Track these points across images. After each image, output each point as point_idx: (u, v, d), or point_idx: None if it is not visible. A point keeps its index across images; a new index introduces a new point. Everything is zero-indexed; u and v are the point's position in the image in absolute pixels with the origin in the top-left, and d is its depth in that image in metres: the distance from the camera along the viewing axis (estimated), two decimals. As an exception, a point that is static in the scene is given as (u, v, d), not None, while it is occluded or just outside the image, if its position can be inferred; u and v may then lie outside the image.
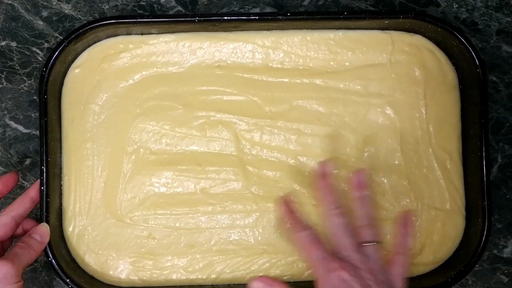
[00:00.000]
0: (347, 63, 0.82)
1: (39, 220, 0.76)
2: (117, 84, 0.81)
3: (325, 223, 0.72)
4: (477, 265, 0.81)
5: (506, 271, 0.84)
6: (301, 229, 0.71)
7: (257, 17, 0.78)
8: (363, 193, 0.73)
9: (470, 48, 0.78)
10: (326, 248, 0.70)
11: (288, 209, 0.74)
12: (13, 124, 0.83)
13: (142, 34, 0.81)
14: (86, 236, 0.81)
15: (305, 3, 0.84)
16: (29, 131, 0.83)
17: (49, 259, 0.77)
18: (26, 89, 0.83)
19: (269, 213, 0.81)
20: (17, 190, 0.82)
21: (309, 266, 0.72)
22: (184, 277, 0.81)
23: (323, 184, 0.73)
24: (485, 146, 0.78)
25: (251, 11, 0.83)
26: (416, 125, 0.82)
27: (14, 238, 0.76)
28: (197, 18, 0.78)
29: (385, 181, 0.82)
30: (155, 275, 0.81)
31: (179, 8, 0.83)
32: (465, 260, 0.79)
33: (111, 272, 0.81)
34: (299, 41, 0.82)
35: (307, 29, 0.82)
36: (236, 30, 0.81)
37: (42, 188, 0.77)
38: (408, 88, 0.82)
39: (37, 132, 0.82)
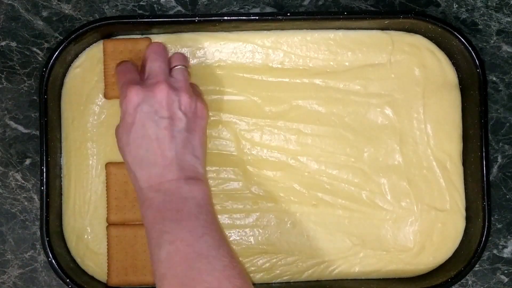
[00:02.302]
0: (347, 63, 0.82)
1: (39, 221, 0.76)
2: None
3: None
4: (477, 265, 0.81)
5: (506, 271, 0.84)
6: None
7: (257, 17, 0.78)
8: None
9: (470, 48, 0.78)
10: (135, 76, 0.72)
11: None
12: (13, 124, 0.83)
13: (142, 34, 0.81)
14: (86, 236, 0.81)
15: (305, 3, 0.84)
16: (29, 131, 0.83)
17: (49, 259, 0.77)
18: (26, 89, 0.83)
19: (269, 213, 0.81)
20: (17, 190, 0.82)
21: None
22: (184, 277, 0.81)
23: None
24: (485, 146, 0.78)
25: (251, 11, 0.83)
26: (415, 125, 0.82)
27: None
28: (197, 18, 0.78)
29: (385, 181, 0.82)
30: (155, 275, 0.81)
31: (179, 8, 0.83)
32: (465, 260, 0.79)
33: (111, 272, 0.81)
34: (299, 41, 0.82)
35: (307, 29, 0.82)
36: (236, 30, 0.81)
37: (42, 188, 0.77)
38: (408, 88, 0.82)
39: (37, 132, 0.82)
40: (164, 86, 0.69)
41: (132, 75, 0.73)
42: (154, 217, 0.68)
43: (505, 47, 0.84)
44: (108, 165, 0.80)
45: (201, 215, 0.66)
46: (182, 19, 0.79)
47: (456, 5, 0.84)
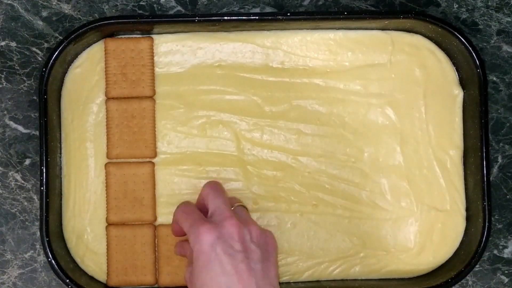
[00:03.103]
0: (347, 63, 0.82)
1: (39, 221, 0.76)
2: (117, 84, 0.81)
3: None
4: (477, 266, 0.81)
5: (507, 272, 0.84)
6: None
7: (257, 17, 0.78)
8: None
9: (470, 48, 0.78)
10: (200, 215, 0.70)
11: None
12: (12, 124, 0.83)
13: (142, 34, 0.81)
14: (86, 236, 0.80)
15: (305, 3, 0.84)
16: (29, 131, 0.83)
17: (49, 259, 0.76)
18: (26, 89, 0.83)
19: (270, 213, 0.81)
20: (17, 190, 0.82)
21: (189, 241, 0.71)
22: (184, 277, 0.81)
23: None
24: (485, 146, 0.78)
25: (251, 11, 0.83)
26: (416, 125, 0.82)
27: None
28: (197, 18, 0.78)
29: (385, 181, 0.82)
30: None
31: (179, 8, 0.83)
32: (465, 261, 0.79)
33: (111, 273, 0.81)
34: (299, 41, 0.82)
35: (307, 29, 0.82)
36: (236, 30, 0.81)
37: (42, 188, 0.76)
38: (408, 88, 0.82)
39: (37, 132, 0.82)
40: (234, 221, 0.68)
41: (196, 214, 0.71)
42: None
43: (505, 47, 0.84)
44: (107, 165, 0.80)
45: None
46: (182, 19, 0.79)
47: (456, 5, 0.84)
